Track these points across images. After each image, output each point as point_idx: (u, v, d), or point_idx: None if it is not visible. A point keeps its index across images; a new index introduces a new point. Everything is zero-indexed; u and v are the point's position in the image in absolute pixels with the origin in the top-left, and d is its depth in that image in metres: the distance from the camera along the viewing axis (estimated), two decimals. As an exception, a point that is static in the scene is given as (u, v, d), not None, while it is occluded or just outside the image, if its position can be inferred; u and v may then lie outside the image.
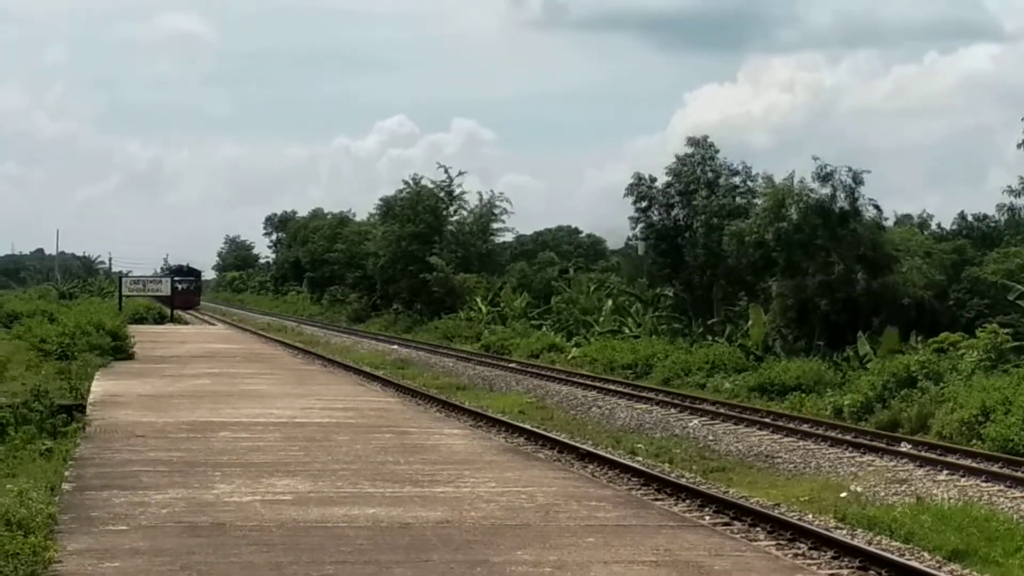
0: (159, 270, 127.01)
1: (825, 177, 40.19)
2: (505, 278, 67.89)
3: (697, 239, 47.75)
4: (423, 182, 74.37)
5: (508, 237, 79.07)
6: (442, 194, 73.53)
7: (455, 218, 73.89)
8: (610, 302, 55.90)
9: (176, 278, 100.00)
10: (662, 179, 50.21)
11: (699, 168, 49.32)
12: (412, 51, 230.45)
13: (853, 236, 39.57)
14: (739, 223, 42.84)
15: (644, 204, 50.07)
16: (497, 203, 73.40)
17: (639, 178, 50.33)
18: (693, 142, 50.07)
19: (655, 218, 50.12)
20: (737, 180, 48.78)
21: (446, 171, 74.02)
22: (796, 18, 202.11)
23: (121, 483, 14.76)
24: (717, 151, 49.97)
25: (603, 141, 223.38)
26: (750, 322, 43.34)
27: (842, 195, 39.99)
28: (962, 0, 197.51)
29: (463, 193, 73.99)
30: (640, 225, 50.60)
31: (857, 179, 40.11)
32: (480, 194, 74.45)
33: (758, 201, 43.95)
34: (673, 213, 49.67)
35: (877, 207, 41.01)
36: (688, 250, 48.16)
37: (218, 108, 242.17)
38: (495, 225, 73.91)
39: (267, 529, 12.32)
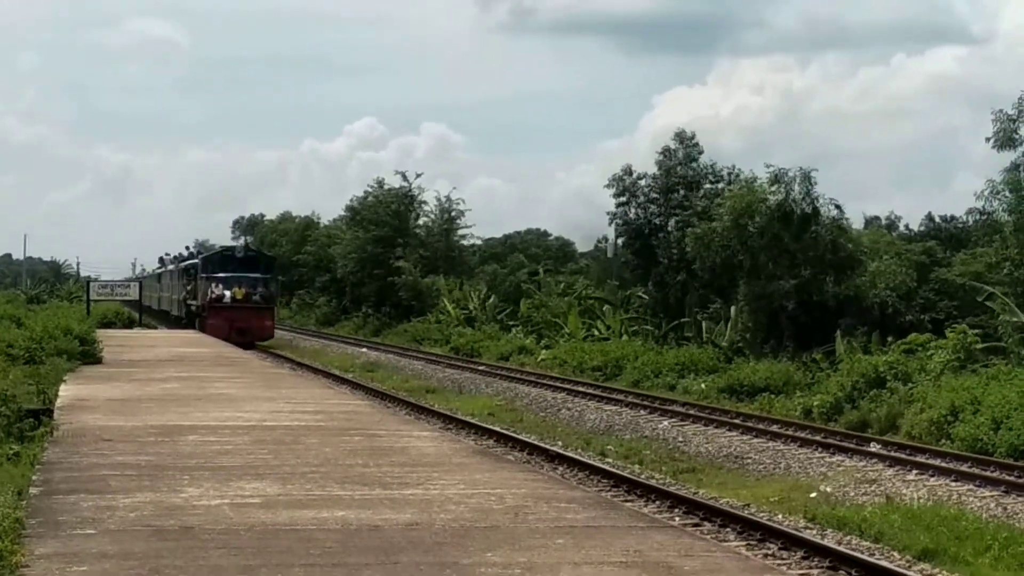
0: (171, 255, 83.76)
1: (776, 178, 40.29)
2: (474, 281, 67.95)
3: (671, 239, 47.78)
4: (387, 185, 74.86)
5: (477, 241, 79.31)
6: (406, 198, 73.81)
7: (421, 221, 74.22)
8: (575, 307, 55.81)
9: (216, 274, 56.92)
10: (646, 174, 50.40)
11: (680, 167, 49.37)
12: (381, 55, 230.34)
13: (814, 238, 39.67)
14: (704, 226, 42.88)
15: (624, 199, 50.08)
16: (455, 205, 73.86)
17: (627, 171, 50.33)
18: (679, 137, 50.09)
19: (632, 215, 50.14)
20: (721, 185, 48.66)
21: (404, 176, 74.39)
22: (764, 21, 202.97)
23: (89, 487, 14.64)
24: (701, 152, 50.10)
25: (572, 144, 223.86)
26: (729, 322, 43.33)
27: (800, 197, 40.08)
28: (929, 2, 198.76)
29: (422, 193, 74.51)
30: (616, 221, 50.66)
31: (808, 178, 40.16)
32: (437, 196, 74.84)
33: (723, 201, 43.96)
34: (651, 210, 49.68)
35: (838, 207, 41.18)
36: (662, 250, 48.17)
37: (188, 113, 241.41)
38: (461, 231, 74.30)
39: (236, 532, 12.24)
